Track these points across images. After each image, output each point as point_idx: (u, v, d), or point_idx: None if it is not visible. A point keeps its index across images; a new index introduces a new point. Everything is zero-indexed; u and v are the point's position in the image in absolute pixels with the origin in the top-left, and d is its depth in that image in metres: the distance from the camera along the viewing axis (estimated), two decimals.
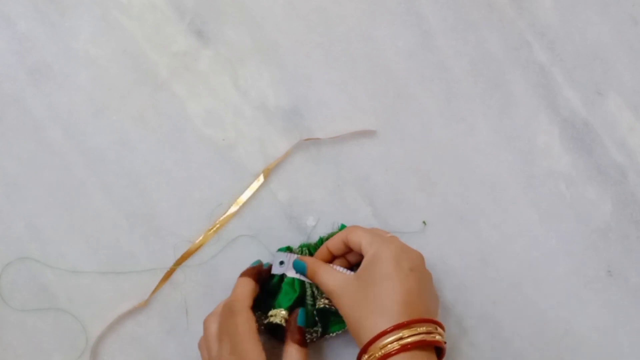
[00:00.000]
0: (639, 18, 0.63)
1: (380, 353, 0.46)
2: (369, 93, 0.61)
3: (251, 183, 0.58)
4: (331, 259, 0.55)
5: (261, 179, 0.58)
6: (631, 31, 0.63)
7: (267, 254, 0.57)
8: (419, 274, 0.50)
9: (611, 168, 0.61)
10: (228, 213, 0.58)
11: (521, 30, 0.62)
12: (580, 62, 0.62)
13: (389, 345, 0.46)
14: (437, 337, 0.47)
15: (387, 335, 0.46)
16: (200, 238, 0.57)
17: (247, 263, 0.57)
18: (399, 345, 0.46)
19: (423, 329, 0.47)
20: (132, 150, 0.59)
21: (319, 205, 0.59)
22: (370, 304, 0.48)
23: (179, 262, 0.57)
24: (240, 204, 0.58)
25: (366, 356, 0.47)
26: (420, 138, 0.60)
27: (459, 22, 0.62)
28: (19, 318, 0.56)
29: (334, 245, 0.54)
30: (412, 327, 0.47)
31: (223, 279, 0.57)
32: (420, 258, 0.52)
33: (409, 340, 0.46)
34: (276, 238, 0.58)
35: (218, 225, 0.57)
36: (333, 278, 0.52)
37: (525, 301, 0.58)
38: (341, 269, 0.53)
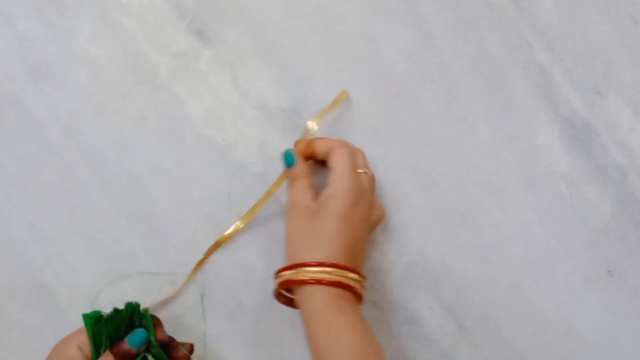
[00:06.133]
0: (639, 18, 0.63)
1: (308, 276, 0.49)
2: (369, 93, 0.61)
3: (278, 176, 0.57)
4: (308, 158, 0.56)
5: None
6: (631, 31, 0.63)
7: (268, 253, 0.58)
8: (369, 228, 0.54)
9: (611, 168, 0.61)
10: (255, 205, 0.57)
11: (521, 30, 0.62)
12: (580, 62, 0.62)
13: (319, 274, 0.49)
14: (360, 289, 0.51)
15: (323, 267, 0.49)
16: (208, 241, 0.57)
17: (248, 260, 0.57)
18: (328, 280, 0.49)
19: (353, 275, 0.50)
20: (132, 150, 0.59)
21: None
22: (318, 235, 0.51)
23: (204, 258, 0.57)
24: (272, 194, 0.57)
25: (290, 272, 0.50)
26: (420, 138, 0.60)
27: (458, 22, 0.62)
28: (19, 318, 0.56)
29: (320, 148, 0.55)
30: (343, 272, 0.50)
31: (223, 280, 0.57)
32: (381, 215, 0.56)
33: (335, 279, 0.49)
34: (276, 238, 0.58)
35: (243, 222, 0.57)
36: (303, 193, 0.53)
37: (525, 301, 0.58)
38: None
